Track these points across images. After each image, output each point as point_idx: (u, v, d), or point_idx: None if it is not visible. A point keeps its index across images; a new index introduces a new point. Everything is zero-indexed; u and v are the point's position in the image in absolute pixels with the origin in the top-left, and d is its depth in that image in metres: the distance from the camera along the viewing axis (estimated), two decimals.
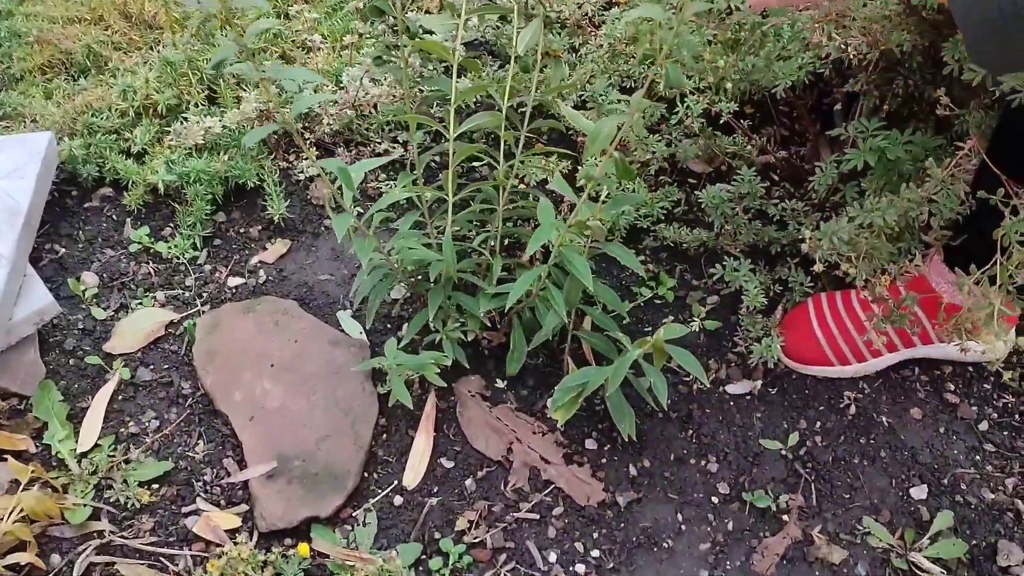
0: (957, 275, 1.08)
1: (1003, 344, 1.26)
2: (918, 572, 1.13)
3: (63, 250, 1.50)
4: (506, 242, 1.42)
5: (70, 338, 1.37)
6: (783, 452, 1.25)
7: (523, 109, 1.21)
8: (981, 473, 1.23)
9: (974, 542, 1.16)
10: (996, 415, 1.29)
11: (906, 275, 1.16)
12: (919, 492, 1.21)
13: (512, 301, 1.15)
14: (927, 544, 1.15)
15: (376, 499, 1.21)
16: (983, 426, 1.27)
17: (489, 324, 1.32)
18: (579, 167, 1.55)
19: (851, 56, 1.16)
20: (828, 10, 1.21)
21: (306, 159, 1.62)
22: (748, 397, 1.31)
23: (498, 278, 1.24)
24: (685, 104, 1.47)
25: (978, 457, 1.24)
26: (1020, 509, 1.19)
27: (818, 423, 1.28)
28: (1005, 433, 1.27)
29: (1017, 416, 1.29)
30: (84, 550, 1.13)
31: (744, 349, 1.34)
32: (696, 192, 1.48)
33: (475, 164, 1.63)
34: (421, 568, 1.14)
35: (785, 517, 1.19)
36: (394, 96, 1.59)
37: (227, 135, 1.56)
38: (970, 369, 1.33)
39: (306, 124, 1.64)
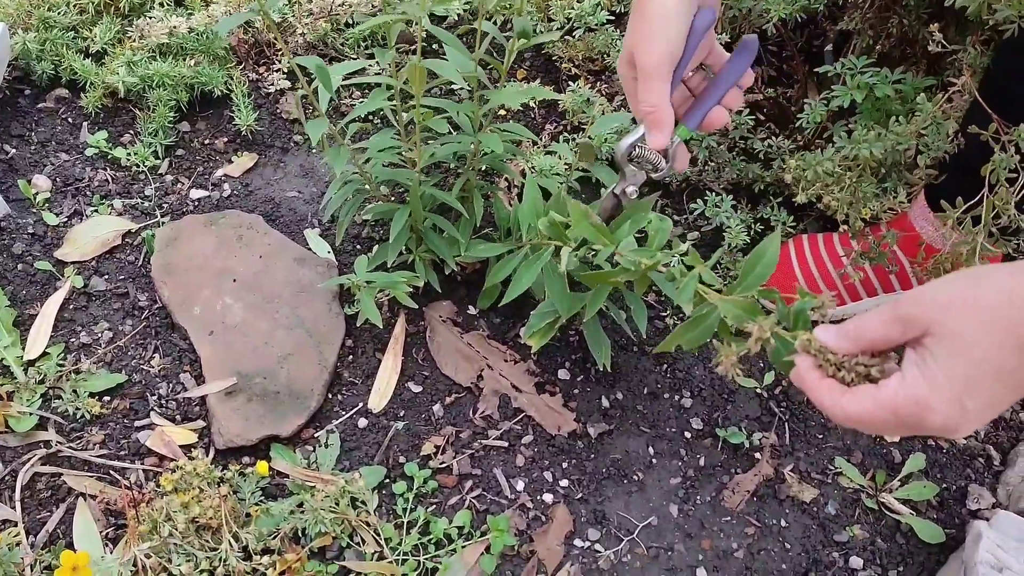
0: (941, 215, 1.06)
1: None
2: (888, 512, 1.12)
3: (13, 151, 1.41)
4: (483, 168, 1.37)
5: (19, 242, 1.29)
6: (758, 390, 1.23)
7: (508, 33, 1.14)
8: None
9: (944, 485, 1.15)
10: None
11: (889, 212, 1.14)
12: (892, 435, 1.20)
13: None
14: (898, 486, 1.15)
15: (340, 421, 1.16)
16: None
17: (462, 252, 1.27)
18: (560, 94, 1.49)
19: None
20: None
21: (278, 70, 1.54)
22: None
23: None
24: None
25: None
26: (991, 455, 1.18)
27: None
28: None
29: None
30: (29, 459, 1.08)
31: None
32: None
33: (454, 87, 1.57)
34: (384, 491, 1.10)
35: (757, 455, 1.17)
36: (372, 5, 1.51)
37: (194, 38, 1.47)
38: None
39: (279, 34, 1.56)
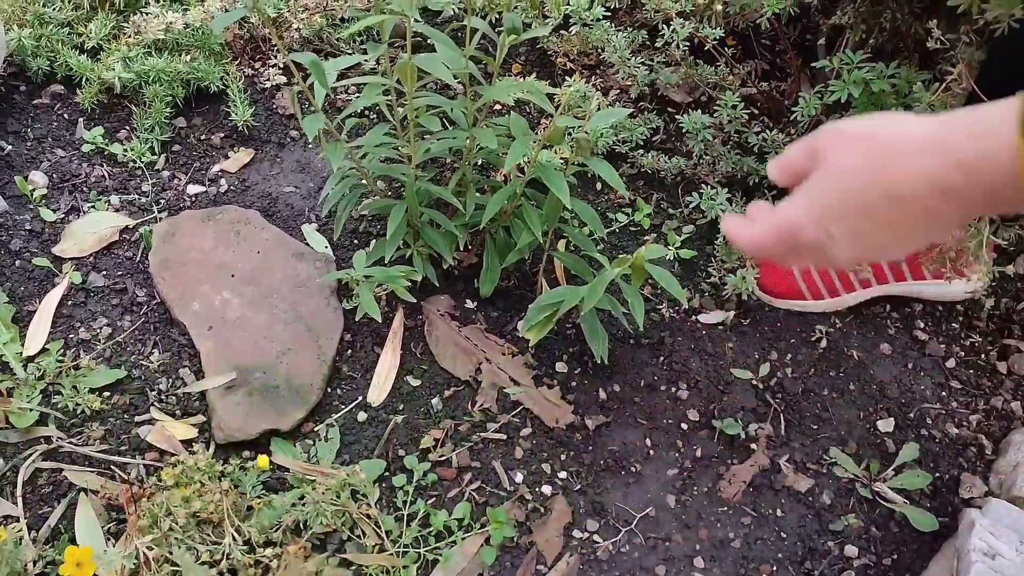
0: None
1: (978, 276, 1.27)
2: (882, 502, 1.14)
3: (9, 147, 1.41)
4: (479, 162, 1.38)
5: (16, 239, 1.30)
6: (754, 382, 1.24)
7: (501, 28, 1.15)
8: (947, 409, 1.23)
9: (937, 474, 1.17)
10: (963, 353, 1.29)
11: None
12: (886, 425, 1.21)
13: (489, 216, 1.11)
14: (892, 475, 1.16)
15: (339, 414, 1.17)
16: (950, 364, 1.28)
17: (461, 246, 1.27)
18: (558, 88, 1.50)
19: None
20: None
21: (274, 66, 1.55)
22: (721, 327, 1.29)
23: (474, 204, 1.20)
24: (671, 28, 1.42)
25: (944, 393, 1.25)
26: (983, 444, 1.20)
27: (789, 355, 1.27)
28: (971, 371, 1.28)
29: (983, 355, 1.29)
30: (30, 455, 1.08)
31: (718, 280, 1.32)
32: (677, 117, 1.45)
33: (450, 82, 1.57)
34: (384, 484, 1.11)
35: (753, 445, 1.18)
36: (368, 0, 1.51)
37: (189, 34, 1.47)
38: (940, 308, 1.33)
39: (275, 28, 1.56)
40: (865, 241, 0.59)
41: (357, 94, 1.55)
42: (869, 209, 0.56)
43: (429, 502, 1.10)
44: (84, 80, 1.45)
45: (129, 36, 1.45)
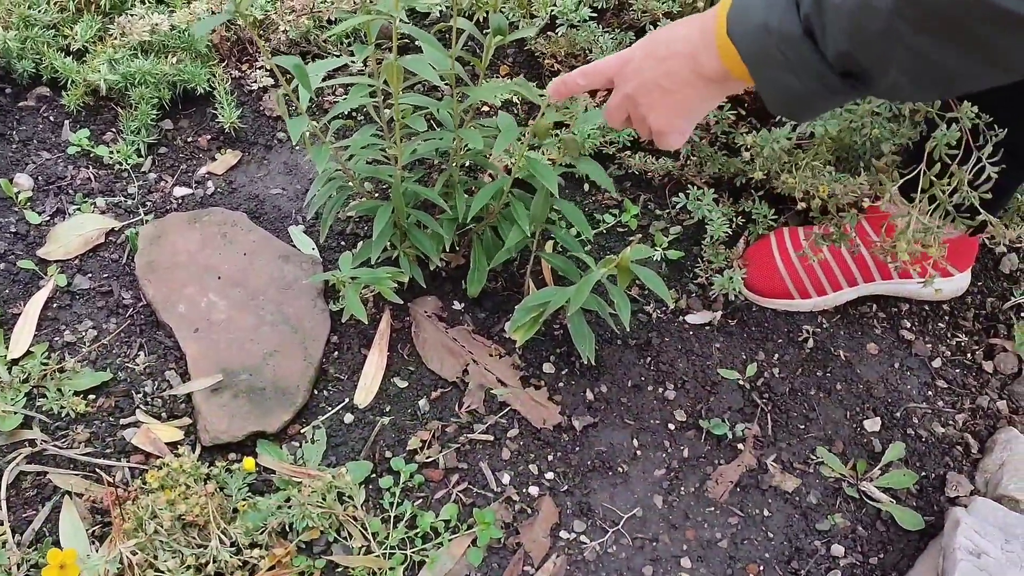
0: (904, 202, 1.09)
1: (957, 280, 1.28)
2: (868, 501, 1.14)
3: None
4: (466, 163, 1.38)
5: (1, 241, 1.29)
6: (741, 382, 1.24)
7: (486, 30, 1.15)
8: (933, 408, 1.24)
9: (924, 474, 1.17)
10: (949, 353, 1.30)
11: (849, 194, 1.15)
12: (872, 424, 1.21)
13: (475, 211, 1.11)
14: (878, 474, 1.16)
15: (326, 416, 1.17)
16: (936, 363, 1.28)
17: (448, 247, 1.27)
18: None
19: None
20: None
21: (260, 68, 1.54)
22: (708, 327, 1.30)
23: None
24: (658, 29, 1.42)
25: (930, 393, 1.25)
26: (969, 443, 1.20)
27: (776, 355, 1.27)
28: (957, 371, 1.28)
29: (969, 355, 1.30)
30: (14, 458, 1.08)
31: (705, 280, 1.33)
32: None
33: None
34: (371, 486, 1.11)
35: (740, 445, 1.18)
36: (355, 2, 1.51)
37: (176, 36, 1.47)
38: (926, 308, 1.34)
39: (261, 32, 1.56)
40: (653, 80, 0.84)
41: (344, 96, 1.55)
42: (651, 48, 0.84)
43: (416, 503, 1.09)
44: (70, 82, 1.44)
45: (115, 38, 1.45)
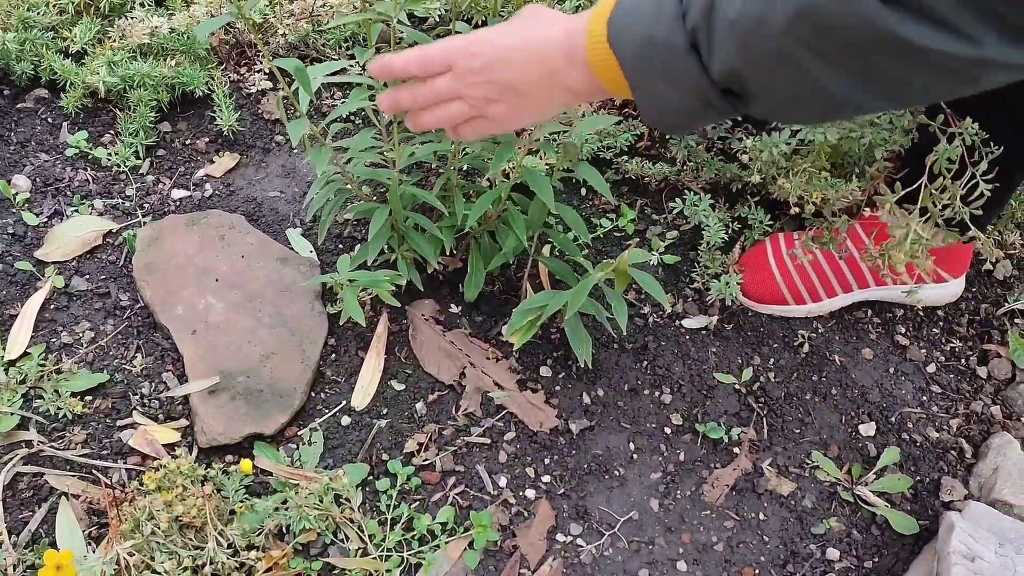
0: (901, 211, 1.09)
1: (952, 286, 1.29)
2: (863, 505, 1.15)
3: None
4: (464, 167, 1.38)
5: None
6: (736, 386, 1.24)
7: None
8: (927, 413, 1.24)
9: (918, 478, 1.18)
10: (944, 358, 1.30)
11: (841, 200, 1.16)
12: (867, 429, 1.22)
13: (474, 218, 1.11)
14: (873, 479, 1.17)
15: (323, 419, 1.17)
16: (931, 368, 1.29)
17: (446, 251, 1.28)
18: None
19: None
20: None
21: (259, 71, 1.55)
22: (704, 332, 1.30)
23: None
24: None
25: (925, 398, 1.26)
26: (963, 448, 1.21)
27: (772, 360, 1.28)
28: (952, 376, 1.29)
29: (964, 360, 1.30)
30: (11, 459, 1.08)
31: (702, 285, 1.33)
32: None
33: None
34: (368, 488, 1.11)
35: (736, 449, 1.19)
36: (355, 6, 1.52)
37: (175, 38, 1.47)
38: (921, 313, 1.34)
39: (260, 35, 1.56)
40: (506, 81, 0.76)
41: (343, 99, 1.55)
42: (504, 46, 0.76)
43: (413, 506, 1.10)
44: (68, 84, 1.44)
45: (114, 40, 1.45)
